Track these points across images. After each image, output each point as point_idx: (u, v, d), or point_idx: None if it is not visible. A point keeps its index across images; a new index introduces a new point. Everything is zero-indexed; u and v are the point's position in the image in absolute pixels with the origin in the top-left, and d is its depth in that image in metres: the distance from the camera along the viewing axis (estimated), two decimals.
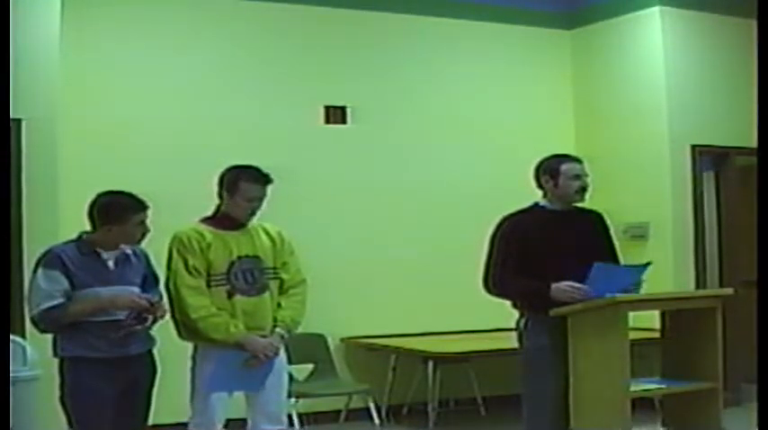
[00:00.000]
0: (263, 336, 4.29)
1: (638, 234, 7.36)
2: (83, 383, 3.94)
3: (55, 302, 3.91)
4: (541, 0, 7.92)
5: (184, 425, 4.38)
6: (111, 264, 4.05)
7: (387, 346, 6.88)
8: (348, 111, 7.24)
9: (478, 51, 7.74)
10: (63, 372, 4.00)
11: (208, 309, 4.21)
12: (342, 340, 7.06)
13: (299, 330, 4.57)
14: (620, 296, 4.28)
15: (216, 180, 4.40)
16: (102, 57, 6.49)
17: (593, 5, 7.81)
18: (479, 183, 7.45)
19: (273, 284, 4.40)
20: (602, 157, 7.26)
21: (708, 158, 7.66)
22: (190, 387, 4.33)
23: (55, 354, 4.04)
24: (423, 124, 7.47)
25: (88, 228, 4.09)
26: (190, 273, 4.23)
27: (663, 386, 4.60)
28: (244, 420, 4.47)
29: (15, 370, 4.54)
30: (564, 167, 4.51)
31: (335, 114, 7.21)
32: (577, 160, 4.62)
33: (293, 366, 5.76)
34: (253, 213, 4.37)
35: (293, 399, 6.06)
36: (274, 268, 4.41)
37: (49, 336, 4.04)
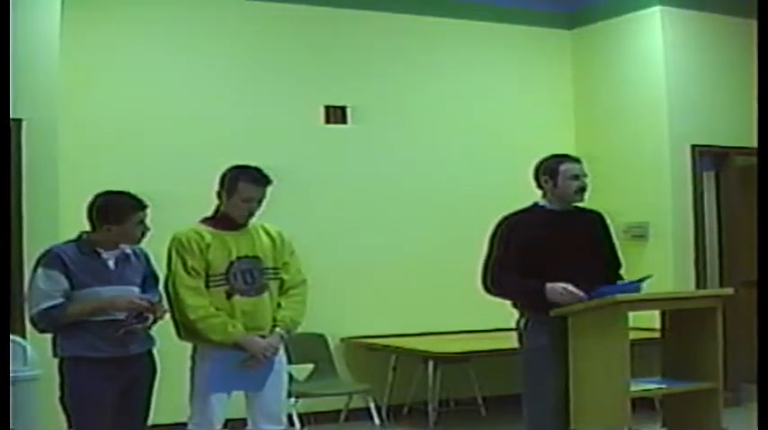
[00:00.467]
0: (263, 337, 4.29)
1: (638, 234, 7.36)
2: (83, 383, 3.94)
3: (54, 302, 3.91)
4: (542, 0, 7.92)
5: (184, 425, 4.37)
6: (111, 263, 4.05)
7: (387, 346, 6.88)
8: (348, 111, 7.24)
9: (479, 51, 7.74)
10: (63, 372, 4.00)
11: (206, 310, 4.21)
12: (342, 340, 7.06)
13: (299, 330, 4.57)
14: (621, 296, 4.28)
15: (216, 180, 4.40)
16: (102, 57, 6.49)
17: (594, 5, 7.81)
18: (479, 182, 7.45)
19: (273, 284, 4.39)
20: (602, 157, 7.26)
21: (708, 158, 7.65)
22: (189, 387, 4.33)
23: (55, 354, 4.03)
24: (423, 124, 7.47)
25: (88, 228, 4.08)
26: (189, 273, 4.23)
27: (663, 386, 4.59)
28: (244, 420, 4.47)
29: (15, 370, 4.53)
30: (563, 167, 4.52)
31: (335, 114, 7.21)
32: (576, 160, 4.62)
33: (293, 366, 5.76)
34: (251, 214, 4.37)
35: (293, 399, 6.07)
36: (274, 268, 4.40)
37: (49, 336, 4.04)
